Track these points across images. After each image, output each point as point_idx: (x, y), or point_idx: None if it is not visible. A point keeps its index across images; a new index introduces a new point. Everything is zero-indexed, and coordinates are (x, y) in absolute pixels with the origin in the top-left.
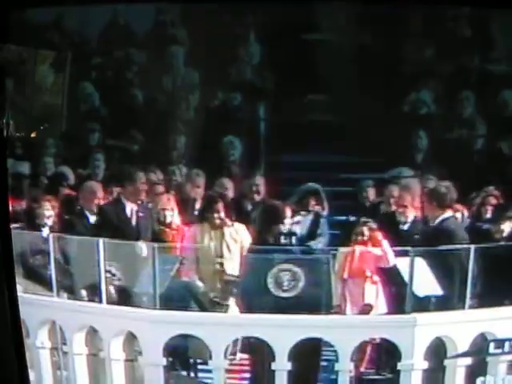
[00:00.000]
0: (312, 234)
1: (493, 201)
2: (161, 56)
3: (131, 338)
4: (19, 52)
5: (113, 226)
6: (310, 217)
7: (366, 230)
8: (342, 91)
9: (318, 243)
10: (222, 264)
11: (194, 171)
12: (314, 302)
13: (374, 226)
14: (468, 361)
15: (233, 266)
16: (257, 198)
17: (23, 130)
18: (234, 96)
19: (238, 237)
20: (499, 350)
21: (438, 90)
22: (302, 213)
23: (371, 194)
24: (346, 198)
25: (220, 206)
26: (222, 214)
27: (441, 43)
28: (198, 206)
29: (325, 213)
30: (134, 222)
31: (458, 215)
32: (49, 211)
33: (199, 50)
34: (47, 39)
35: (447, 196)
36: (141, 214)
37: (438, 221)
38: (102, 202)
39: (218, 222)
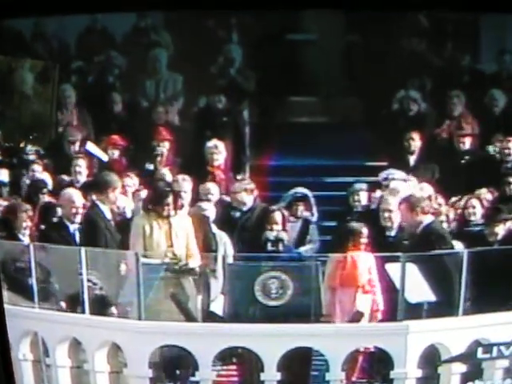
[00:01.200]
0: (301, 240)
1: (485, 203)
2: (143, 59)
3: (116, 349)
4: None
5: (93, 233)
6: (299, 223)
7: (356, 234)
8: (329, 92)
9: (308, 250)
10: (173, 253)
11: (179, 176)
12: (304, 310)
13: (364, 230)
14: (463, 368)
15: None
16: (243, 206)
17: (1, 136)
18: (217, 99)
19: (183, 224)
20: (487, 355)
21: (428, 88)
22: (291, 219)
23: (363, 197)
24: (337, 203)
25: (170, 199)
26: (171, 206)
27: (430, 41)
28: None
29: (314, 219)
30: (110, 228)
31: (442, 219)
32: (26, 222)
33: (182, 52)
34: (26, 45)
35: (423, 200)
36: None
37: (421, 226)
38: (81, 211)
39: (165, 212)
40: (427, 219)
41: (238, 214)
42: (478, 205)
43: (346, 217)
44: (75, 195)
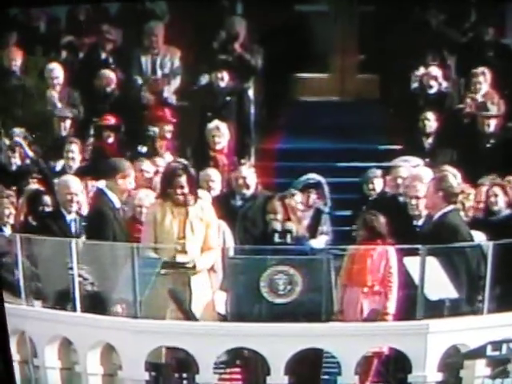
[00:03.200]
0: (312, 232)
1: (510, 191)
2: (137, 33)
3: (109, 350)
4: None
5: (99, 224)
6: (311, 213)
7: (371, 223)
8: (342, 68)
9: (320, 242)
10: (183, 246)
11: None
12: (314, 308)
13: (381, 219)
14: (487, 371)
15: (195, 249)
16: (246, 192)
17: None
18: (220, 76)
19: (204, 215)
20: (497, 353)
21: (450, 64)
22: (302, 208)
23: (378, 185)
24: (351, 190)
25: (183, 179)
26: (186, 190)
27: (450, 12)
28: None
29: (327, 209)
30: (119, 218)
31: (460, 208)
32: (9, 209)
33: (180, 24)
34: (12, 19)
35: (455, 186)
36: (125, 209)
37: (437, 215)
38: (79, 199)
39: (180, 198)
40: (449, 207)
41: (239, 202)
42: (500, 193)
43: (360, 206)
44: (72, 182)
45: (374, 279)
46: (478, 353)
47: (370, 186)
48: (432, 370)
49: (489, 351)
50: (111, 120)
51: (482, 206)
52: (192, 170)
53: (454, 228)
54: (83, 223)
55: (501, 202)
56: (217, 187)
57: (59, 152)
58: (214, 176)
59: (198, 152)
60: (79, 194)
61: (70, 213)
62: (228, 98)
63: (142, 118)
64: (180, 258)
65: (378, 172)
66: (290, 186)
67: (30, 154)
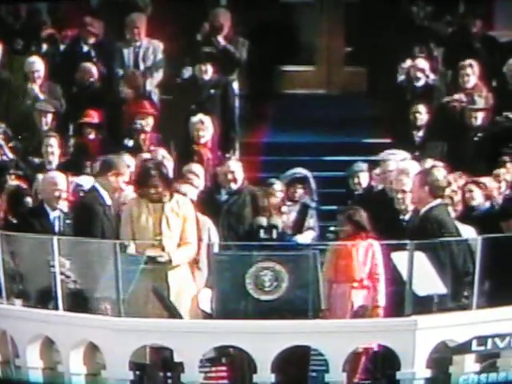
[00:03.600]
0: (298, 227)
1: (503, 185)
2: (119, 25)
3: (93, 349)
4: None
5: (88, 220)
6: (297, 208)
7: (353, 218)
8: (328, 61)
9: (306, 238)
10: (160, 242)
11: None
12: (301, 304)
13: (362, 213)
14: (476, 367)
15: (172, 245)
16: (233, 186)
17: None
18: (204, 69)
19: (181, 210)
20: (482, 348)
21: (437, 56)
22: (288, 203)
23: (364, 179)
24: (337, 185)
25: (156, 179)
26: (160, 189)
27: (439, 1)
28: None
29: (314, 203)
30: (109, 215)
31: (447, 202)
32: None
33: (163, 16)
34: None
35: (441, 180)
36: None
37: (425, 209)
38: (64, 195)
39: (155, 197)
40: (433, 202)
41: (224, 197)
42: (475, 188)
43: (346, 200)
44: (59, 178)
45: (361, 274)
46: (463, 348)
47: (356, 180)
48: (421, 367)
49: (474, 346)
50: (94, 118)
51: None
52: (165, 168)
53: (440, 223)
54: (68, 220)
55: (478, 197)
56: (200, 182)
57: (40, 147)
58: (198, 171)
59: (181, 146)
60: (65, 190)
61: (54, 210)
62: (212, 91)
63: (124, 111)
64: (150, 253)
65: (364, 166)
66: (273, 180)
67: (10, 155)
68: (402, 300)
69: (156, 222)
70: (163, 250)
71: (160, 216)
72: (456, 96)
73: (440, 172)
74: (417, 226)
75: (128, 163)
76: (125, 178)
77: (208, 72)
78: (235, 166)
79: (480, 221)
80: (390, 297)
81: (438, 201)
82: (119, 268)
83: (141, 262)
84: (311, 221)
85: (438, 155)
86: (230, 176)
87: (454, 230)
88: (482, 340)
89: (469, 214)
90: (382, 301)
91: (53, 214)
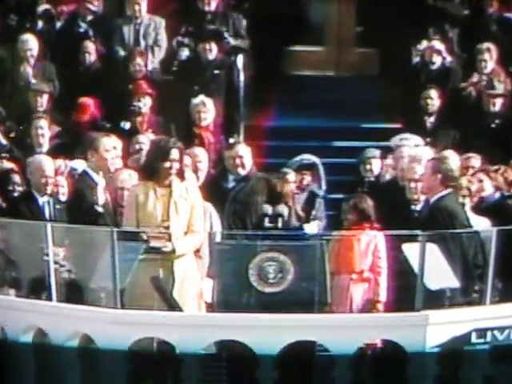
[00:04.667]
0: (305, 216)
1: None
2: (120, 0)
3: (88, 341)
4: None
5: (80, 207)
6: (304, 196)
7: (359, 206)
8: (338, 40)
9: (313, 228)
10: (168, 227)
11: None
12: (306, 297)
13: (369, 202)
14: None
15: (179, 231)
16: (241, 172)
17: None
18: (207, 47)
19: (189, 196)
20: (481, 340)
21: (453, 39)
22: (295, 190)
23: (376, 165)
24: (346, 172)
25: (175, 152)
26: (177, 165)
27: None
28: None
29: (322, 192)
30: (101, 200)
31: (464, 193)
32: None
33: None
34: None
35: (455, 170)
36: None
37: (435, 198)
38: (53, 181)
39: (172, 173)
40: (444, 191)
41: (231, 184)
42: (485, 178)
43: (356, 188)
44: (45, 162)
45: (362, 265)
46: (462, 340)
47: (368, 166)
48: (431, 363)
49: (473, 338)
50: (88, 112)
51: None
52: (182, 147)
53: (450, 213)
54: (59, 206)
55: (488, 187)
56: (203, 168)
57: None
58: (201, 155)
59: (181, 129)
60: (53, 175)
61: (43, 195)
62: (216, 72)
63: (123, 92)
64: (154, 243)
65: (377, 152)
66: (282, 166)
67: (4, 141)
68: (411, 294)
69: (164, 206)
70: (169, 238)
71: (168, 200)
72: (473, 80)
73: (454, 161)
74: (426, 215)
75: (114, 144)
76: (109, 157)
77: (213, 51)
78: (244, 151)
79: (495, 212)
80: (398, 290)
81: (449, 190)
82: (116, 257)
83: (140, 250)
84: (319, 210)
85: (451, 142)
86: (238, 161)
87: (464, 220)
88: (482, 332)
89: (482, 205)
90: (383, 295)
91: (42, 200)
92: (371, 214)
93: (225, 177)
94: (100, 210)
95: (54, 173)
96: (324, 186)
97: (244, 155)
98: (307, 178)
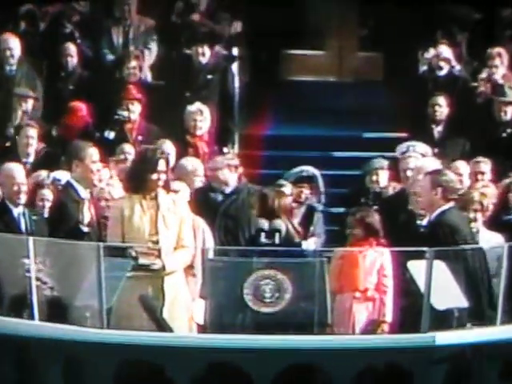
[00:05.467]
0: (303, 231)
1: None
2: (108, 1)
3: (72, 363)
4: None
5: (63, 222)
6: (302, 210)
7: (365, 220)
8: (340, 45)
9: (311, 244)
10: (156, 242)
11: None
12: (305, 318)
13: (375, 216)
14: None
15: (168, 246)
16: (226, 187)
17: None
18: (201, 51)
19: (177, 209)
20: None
21: (462, 44)
22: (293, 205)
23: (383, 177)
24: (347, 185)
25: (163, 163)
26: (164, 176)
27: None
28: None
29: (321, 207)
30: (86, 218)
31: (476, 207)
32: None
33: None
34: None
35: (455, 181)
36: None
37: (436, 213)
38: (24, 189)
39: (158, 185)
40: (445, 206)
41: (219, 197)
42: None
43: (359, 201)
44: (16, 170)
45: (366, 283)
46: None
47: (374, 177)
48: None
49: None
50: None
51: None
52: (169, 157)
53: (452, 228)
54: (35, 217)
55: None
56: (198, 179)
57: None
58: (197, 165)
59: (174, 138)
60: (25, 182)
61: (17, 206)
62: (209, 77)
63: (111, 99)
64: (143, 261)
65: (385, 162)
66: (279, 178)
67: None
68: (418, 314)
69: (151, 220)
70: (159, 255)
71: (156, 214)
72: (482, 87)
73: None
74: (427, 231)
75: (95, 157)
76: (95, 169)
77: (205, 54)
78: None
79: (508, 227)
80: (403, 310)
81: (450, 204)
82: (102, 273)
83: (127, 266)
84: (317, 226)
85: (460, 153)
86: (221, 176)
87: (469, 236)
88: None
89: (495, 220)
90: (388, 315)
91: (16, 211)
92: (378, 229)
93: (212, 189)
94: (85, 229)
95: (25, 180)
96: (323, 200)
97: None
98: (305, 191)
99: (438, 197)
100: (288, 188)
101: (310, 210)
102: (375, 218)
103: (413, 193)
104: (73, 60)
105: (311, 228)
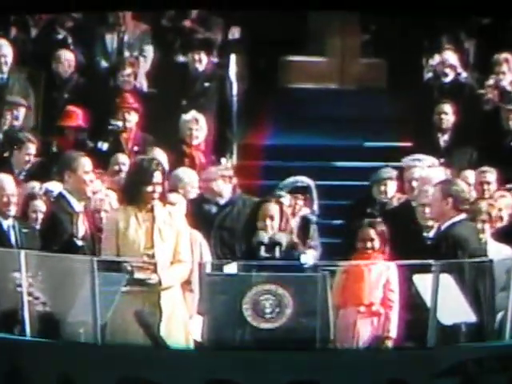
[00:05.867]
0: (301, 244)
1: None
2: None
3: (66, 381)
4: None
5: (56, 235)
6: (297, 222)
7: (373, 233)
8: (342, 51)
9: (309, 258)
10: (152, 256)
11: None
12: (306, 334)
13: (382, 227)
14: None
15: (165, 260)
16: (223, 195)
17: None
18: (197, 58)
19: (174, 222)
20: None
21: (468, 49)
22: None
23: (391, 187)
24: (348, 196)
25: (158, 175)
26: (160, 189)
27: None
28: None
29: (315, 217)
30: (81, 231)
31: (483, 218)
32: None
33: None
34: None
35: (466, 191)
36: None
37: (446, 225)
38: (14, 200)
39: (153, 197)
40: (457, 217)
41: (214, 209)
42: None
43: (364, 213)
44: (6, 181)
45: (371, 297)
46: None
47: (382, 188)
48: None
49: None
50: (75, 119)
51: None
52: (165, 168)
53: (463, 242)
54: (26, 230)
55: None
56: (193, 191)
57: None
58: (192, 177)
59: (169, 148)
60: (15, 193)
61: (6, 218)
62: (206, 84)
63: (106, 108)
64: (139, 275)
65: (394, 172)
66: (271, 189)
67: None
68: (424, 330)
69: (147, 233)
70: (155, 269)
71: (152, 227)
72: (490, 94)
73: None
74: (436, 243)
75: (88, 167)
76: (88, 180)
77: (202, 61)
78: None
79: None
80: (410, 326)
81: (462, 216)
82: (97, 288)
83: (122, 281)
84: (313, 238)
85: (467, 163)
86: (215, 187)
87: (479, 251)
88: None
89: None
90: (393, 331)
91: (6, 223)
92: (387, 242)
93: (207, 200)
94: (80, 243)
95: (16, 191)
96: (317, 211)
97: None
98: (299, 203)
99: (449, 207)
100: (287, 199)
101: (305, 222)
102: (384, 230)
103: (419, 204)
104: (66, 67)
105: (308, 240)
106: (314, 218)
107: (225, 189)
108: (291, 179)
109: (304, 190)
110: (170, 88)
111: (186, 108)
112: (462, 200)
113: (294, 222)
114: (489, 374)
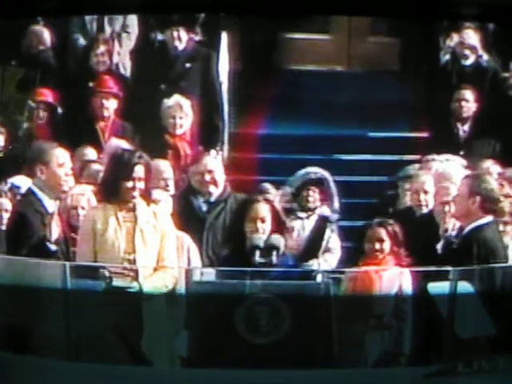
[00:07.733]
0: (313, 247)
1: None
2: None
3: None
4: None
5: (24, 237)
6: (312, 221)
7: (384, 234)
8: (349, 28)
9: (324, 263)
10: (133, 261)
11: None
12: (307, 350)
13: (398, 229)
14: None
15: (147, 266)
16: (214, 191)
17: None
18: (177, 35)
19: (158, 223)
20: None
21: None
22: (300, 214)
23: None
24: (359, 193)
25: (140, 170)
26: (142, 185)
27: None
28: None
29: (335, 216)
30: (54, 234)
31: (506, 219)
32: None
33: None
34: None
35: (496, 189)
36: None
37: (471, 227)
38: None
39: (134, 195)
40: (484, 219)
41: (204, 207)
42: None
43: (378, 212)
44: None
45: (382, 308)
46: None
47: (407, 185)
48: None
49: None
50: (48, 96)
51: None
52: (149, 161)
53: (489, 248)
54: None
55: None
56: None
57: None
58: (174, 170)
59: (149, 138)
60: None
61: None
62: (188, 65)
63: (83, 91)
64: (118, 282)
65: (417, 167)
66: (277, 184)
67: None
68: (440, 343)
69: (128, 235)
70: (136, 276)
71: (133, 228)
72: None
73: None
74: (458, 248)
75: (63, 159)
76: (62, 174)
77: (182, 39)
78: (214, 165)
79: None
80: (426, 339)
81: (490, 218)
82: (69, 298)
83: (100, 290)
84: (331, 240)
85: (489, 156)
86: (207, 177)
87: (504, 258)
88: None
89: None
90: (406, 346)
91: None
92: (402, 245)
93: (195, 197)
94: (53, 248)
95: None
96: (337, 208)
97: (214, 169)
98: (314, 198)
99: (476, 206)
100: (286, 189)
101: (322, 221)
102: (400, 231)
103: (438, 202)
104: (42, 45)
105: (323, 243)
106: (333, 216)
107: (214, 184)
108: (302, 171)
109: (318, 183)
110: (148, 70)
111: (166, 92)
112: (491, 200)
113: (309, 222)
114: None
